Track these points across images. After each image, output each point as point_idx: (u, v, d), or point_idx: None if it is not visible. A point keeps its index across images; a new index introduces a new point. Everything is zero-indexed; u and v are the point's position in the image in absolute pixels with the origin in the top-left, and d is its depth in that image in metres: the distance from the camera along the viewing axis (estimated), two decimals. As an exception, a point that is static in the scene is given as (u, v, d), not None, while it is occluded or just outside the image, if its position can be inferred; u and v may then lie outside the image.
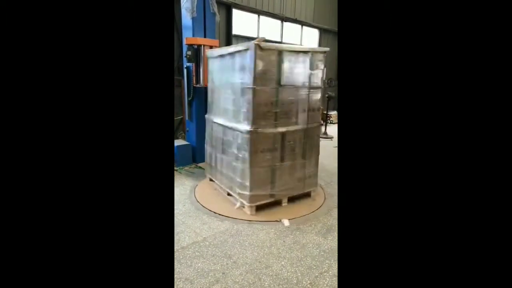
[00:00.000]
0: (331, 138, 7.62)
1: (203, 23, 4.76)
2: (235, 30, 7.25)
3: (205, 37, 4.78)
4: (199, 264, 2.45)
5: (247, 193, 3.35)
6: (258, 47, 3.04)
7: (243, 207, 3.44)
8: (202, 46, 4.53)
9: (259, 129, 3.24)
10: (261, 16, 7.89)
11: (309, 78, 3.50)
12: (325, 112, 8.64)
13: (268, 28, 8.22)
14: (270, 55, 3.14)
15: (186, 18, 4.72)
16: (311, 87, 3.54)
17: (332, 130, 8.26)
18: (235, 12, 7.14)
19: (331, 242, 2.85)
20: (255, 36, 7.84)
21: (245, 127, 3.26)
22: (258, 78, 3.13)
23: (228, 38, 7.02)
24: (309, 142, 3.65)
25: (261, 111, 3.22)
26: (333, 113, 9.85)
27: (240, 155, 3.40)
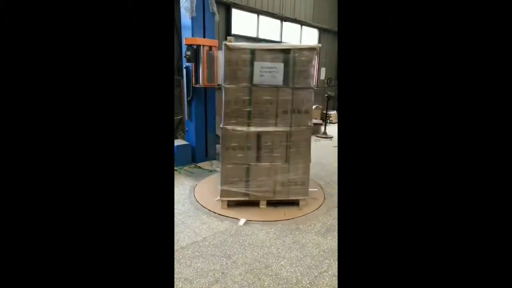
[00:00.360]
0: (330, 138, 7.62)
1: (202, 23, 4.75)
2: (235, 30, 7.24)
3: (204, 37, 4.77)
4: (198, 264, 2.45)
5: (219, 187, 3.49)
6: (226, 47, 3.12)
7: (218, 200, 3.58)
8: (202, 46, 4.53)
9: (229, 127, 3.32)
10: (260, 16, 7.88)
11: (292, 77, 3.25)
12: (325, 111, 8.64)
13: (268, 28, 8.21)
14: (241, 54, 3.16)
15: (185, 18, 4.72)
16: (295, 88, 3.27)
17: (332, 129, 8.27)
18: (235, 12, 7.14)
19: (331, 241, 2.86)
20: (254, 36, 7.84)
21: (221, 124, 3.40)
22: (228, 77, 3.21)
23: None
24: (294, 147, 3.39)
25: (232, 109, 3.28)
26: (333, 113, 9.86)
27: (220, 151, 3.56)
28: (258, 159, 3.42)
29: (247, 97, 3.27)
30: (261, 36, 7.99)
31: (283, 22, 8.53)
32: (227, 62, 3.18)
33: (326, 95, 8.22)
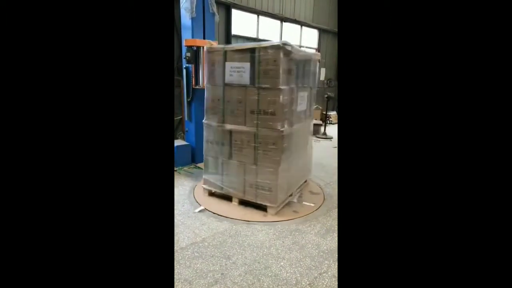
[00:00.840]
0: (330, 138, 7.63)
1: (202, 24, 4.75)
2: (235, 31, 7.25)
3: (204, 37, 4.77)
4: (198, 265, 2.45)
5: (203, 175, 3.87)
6: (207, 49, 3.54)
7: None
8: (201, 47, 4.53)
9: (207, 121, 3.67)
10: (260, 17, 7.89)
11: (257, 77, 3.19)
12: (325, 112, 8.65)
13: (268, 29, 8.22)
14: (216, 56, 3.45)
15: (185, 18, 4.72)
16: (261, 87, 3.18)
17: (332, 130, 8.27)
18: (235, 12, 7.14)
19: (330, 242, 2.85)
20: (254, 36, 7.84)
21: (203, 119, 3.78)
22: (209, 77, 3.59)
23: (228, 38, 7.02)
24: (261, 149, 3.31)
25: (210, 106, 3.62)
26: (333, 114, 9.87)
27: None
28: (230, 156, 3.56)
29: (221, 96, 3.49)
30: (261, 37, 7.99)
31: (283, 23, 8.54)
32: (208, 63, 3.56)
33: (326, 95, 8.22)
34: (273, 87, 3.13)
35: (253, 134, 3.34)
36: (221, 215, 3.34)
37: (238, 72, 3.32)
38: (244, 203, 3.57)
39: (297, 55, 3.37)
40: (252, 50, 3.19)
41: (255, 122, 3.30)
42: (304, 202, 3.74)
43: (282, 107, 3.18)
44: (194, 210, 3.40)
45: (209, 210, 3.43)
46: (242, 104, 3.36)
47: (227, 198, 3.69)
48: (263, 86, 3.18)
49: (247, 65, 3.24)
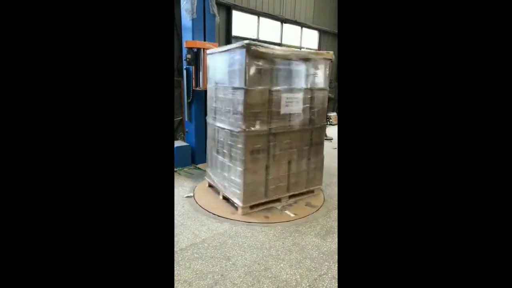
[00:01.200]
0: (330, 139, 7.62)
1: (202, 25, 4.76)
2: (235, 32, 7.26)
3: (204, 38, 4.78)
4: (197, 266, 2.44)
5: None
6: (204, 51, 3.98)
7: None
8: (202, 49, 4.53)
9: (207, 119, 4.08)
10: (261, 18, 7.90)
11: (231, 77, 3.32)
12: (325, 113, 8.63)
13: (268, 30, 8.23)
14: (211, 59, 3.82)
15: (186, 19, 4.73)
16: (233, 87, 3.28)
17: (332, 131, 8.27)
18: (235, 14, 7.15)
19: (330, 244, 2.85)
20: (255, 37, 7.85)
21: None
22: (208, 78, 3.99)
23: (228, 39, 7.03)
24: (234, 147, 3.38)
25: (208, 104, 4.03)
26: (333, 115, 9.87)
27: None
28: (217, 151, 3.78)
29: (214, 95, 3.77)
30: (261, 38, 8.00)
31: (283, 24, 8.55)
32: (207, 65, 3.97)
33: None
34: (241, 87, 3.16)
35: (230, 133, 3.43)
36: (199, 204, 3.61)
37: (222, 72, 3.55)
38: (225, 198, 3.70)
39: (274, 55, 3.20)
40: (228, 51, 3.36)
41: (231, 121, 3.41)
42: (286, 211, 3.50)
43: (250, 107, 3.16)
44: (183, 195, 3.84)
45: (194, 198, 3.79)
46: (223, 103, 3.55)
47: (216, 190, 3.91)
48: (234, 86, 3.28)
49: (225, 65, 3.43)
